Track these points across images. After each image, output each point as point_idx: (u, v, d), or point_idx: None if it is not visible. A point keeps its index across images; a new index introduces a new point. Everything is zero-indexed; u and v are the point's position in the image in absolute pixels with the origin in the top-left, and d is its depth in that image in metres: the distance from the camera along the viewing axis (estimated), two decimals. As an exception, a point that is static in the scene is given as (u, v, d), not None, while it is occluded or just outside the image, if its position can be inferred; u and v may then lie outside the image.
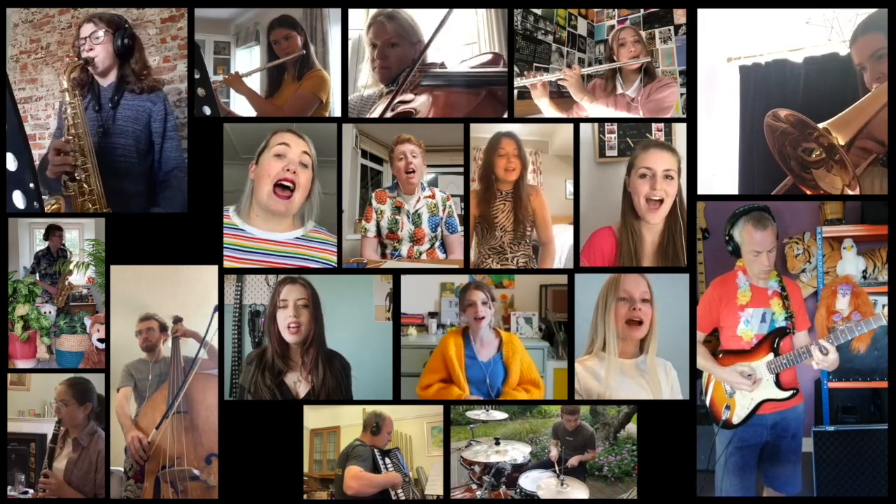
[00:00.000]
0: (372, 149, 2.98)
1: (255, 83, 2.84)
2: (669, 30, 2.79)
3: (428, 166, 2.78)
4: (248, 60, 2.95)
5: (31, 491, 2.62)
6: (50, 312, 2.83)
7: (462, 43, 2.80)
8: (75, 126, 2.61)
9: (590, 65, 2.99)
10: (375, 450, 2.49)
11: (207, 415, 2.56)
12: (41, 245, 2.98)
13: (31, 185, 2.55)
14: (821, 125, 2.47)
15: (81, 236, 2.95)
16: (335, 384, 2.45)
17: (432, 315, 3.12)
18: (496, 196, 2.70)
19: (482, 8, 2.74)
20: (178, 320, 2.58)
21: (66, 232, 2.98)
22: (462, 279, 2.74)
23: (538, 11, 2.82)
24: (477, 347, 2.57)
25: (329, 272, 2.55)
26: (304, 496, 2.60)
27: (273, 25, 2.81)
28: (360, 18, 2.75)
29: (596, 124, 2.81)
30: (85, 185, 2.61)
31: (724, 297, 2.56)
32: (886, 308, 2.60)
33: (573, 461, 2.56)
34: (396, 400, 2.60)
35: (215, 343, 2.61)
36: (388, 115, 2.66)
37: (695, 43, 2.67)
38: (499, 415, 2.62)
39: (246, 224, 2.48)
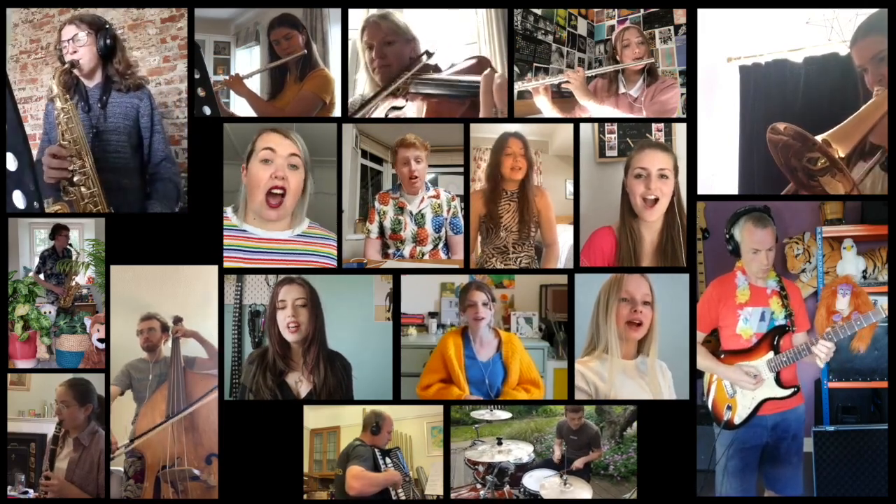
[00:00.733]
0: (372, 149, 2.98)
1: (256, 85, 2.84)
2: (669, 30, 2.79)
3: (429, 166, 2.78)
4: (248, 60, 2.95)
5: (31, 491, 2.63)
6: (50, 312, 2.83)
7: (462, 43, 2.80)
8: (70, 131, 2.60)
9: (590, 64, 2.99)
10: (376, 449, 2.49)
11: (207, 415, 2.56)
12: (41, 245, 2.98)
13: (31, 185, 2.55)
14: (819, 137, 2.47)
15: (81, 236, 2.95)
16: (336, 384, 2.45)
17: (432, 315, 3.12)
18: (502, 196, 2.70)
19: (482, 8, 2.74)
20: (178, 320, 2.58)
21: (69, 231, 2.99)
22: (462, 279, 2.74)
23: (538, 11, 2.82)
24: (476, 347, 2.57)
25: (329, 272, 2.55)
26: (304, 496, 2.60)
27: (273, 25, 2.79)
28: (359, 20, 2.74)
29: (596, 124, 2.81)
30: (85, 189, 2.61)
31: (723, 296, 2.57)
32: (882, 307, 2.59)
33: (578, 463, 2.56)
34: (396, 400, 2.60)
35: (215, 343, 2.61)
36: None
37: (695, 43, 2.67)
38: (503, 414, 2.62)
39: (245, 224, 2.48)
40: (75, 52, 2.69)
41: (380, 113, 2.71)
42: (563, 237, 2.73)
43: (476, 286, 2.58)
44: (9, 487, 2.63)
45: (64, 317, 2.82)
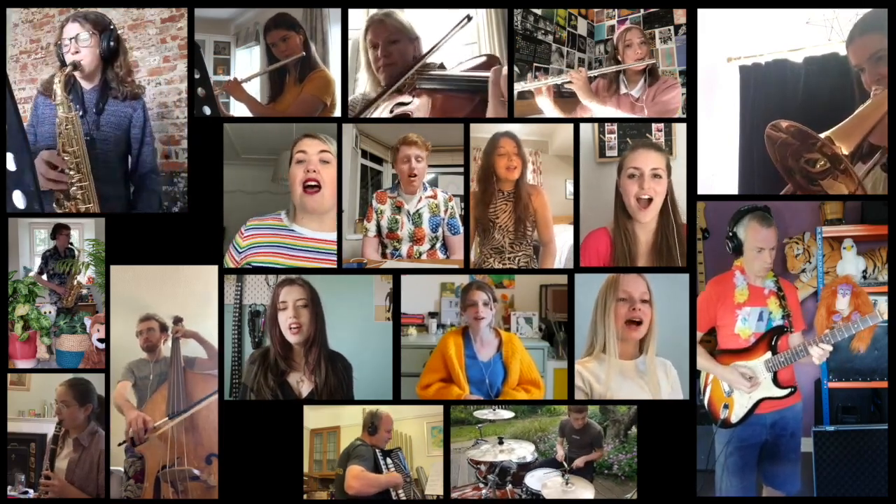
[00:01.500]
0: (372, 149, 2.98)
1: (256, 87, 2.83)
2: (669, 30, 2.79)
3: (428, 166, 2.78)
4: (248, 61, 2.94)
5: (31, 491, 2.62)
6: (50, 312, 2.83)
7: (462, 43, 2.80)
8: (73, 142, 2.56)
9: (590, 65, 2.99)
10: (377, 450, 2.49)
11: (207, 415, 2.56)
12: (41, 245, 2.97)
13: (31, 185, 2.55)
14: (823, 135, 2.46)
15: (81, 236, 2.94)
16: (337, 384, 2.45)
17: (432, 315, 3.12)
18: (497, 197, 2.70)
19: (482, 8, 2.74)
20: (178, 320, 2.58)
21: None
22: (462, 279, 2.74)
23: (538, 11, 2.82)
24: (477, 347, 2.57)
25: (329, 272, 2.56)
26: (304, 496, 2.60)
27: (269, 27, 2.77)
28: (359, 20, 2.74)
29: (596, 124, 2.81)
30: (82, 205, 2.60)
31: (721, 296, 2.57)
32: (882, 306, 2.58)
33: (579, 462, 2.56)
34: (396, 400, 2.60)
35: (215, 343, 2.61)
36: (386, 116, 2.66)
37: (695, 43, 2.67)
38: (506, 414, 2.62)
39: (294, 224, 2.54)
40: (77, 51, 2.65)
41: (384, 111, 2.70)
42: (563, 237, 2.73)
43: (477, 286, 2.58)
44: (9, 487, 2.63)
45: (64, 317, 2.82)
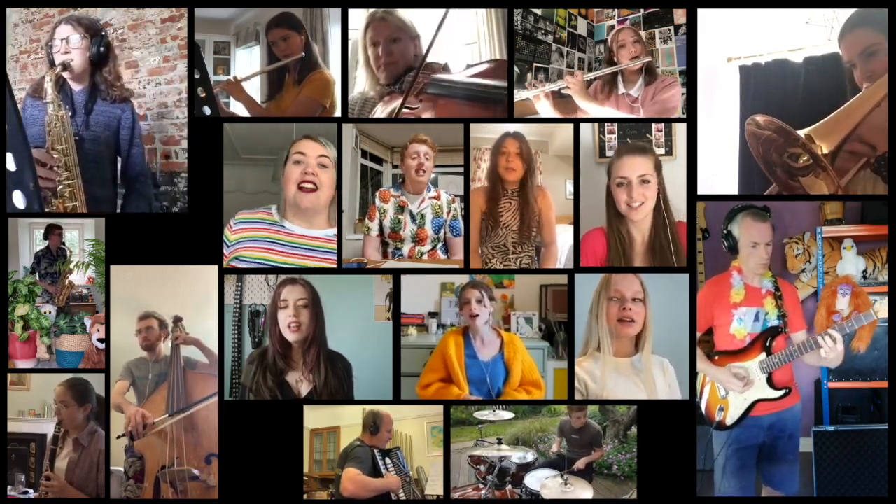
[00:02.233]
0: (372, 149, 2.98)
1: (254, 85, 2.83)
2: (669, 30, 2.79)
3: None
4: (248, 60, 2.95)
5: (31, 491, 2.62)
6: (50, 312, 2.82)
7: (462, 43, 2.80)
8: (62, 140, 2.57)
9: (590, 65, 2.99)
10: (375, 450, 2.48)
11: (207, 415, 2.56)
12: (41, 245, 2.97)
13: (31, 185, 2.55)
14: (802, 132, 2.44)
15: (81, 236, 2.94)
16: (337, 384, 2.45)
17: (432, 315, 3.12)
18: (502, 194, 2.70)
19: (482, 8, 2.74)
20: (178, 320, 2.58)
21: (67, 232, 2.98)
22: (462, 279, 2.74)
23: (538, 11, 2.82)
24: (478, 346, 2.57)
25: (329, 272, 2.55)
26: (304, 496, 2.60)
27: (271, 25, 2.78)
28: (358, 20, 2.74)
29: (596, 124, 2.81)
30: (69, 202, 2.60)
31: (717, 296, 2.57)
32: (879, 304, 2.57)
33: (580, 464, 2.56)
34: (396, 400, 2.60)
35: (215, 346, 2.61)
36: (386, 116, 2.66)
37: (695, 43, 2.67)
38: (506, 414, 2.62)
39: (285, 221, 2.51)
40: (67, 52, 2.67)
41: (382, 112, 2.71)
42: (563, 237, 2.73)
43: (471, 284, 2.58)
44: (9, 487, 2.63)
45: (64, 317, 2.82)
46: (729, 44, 2.87)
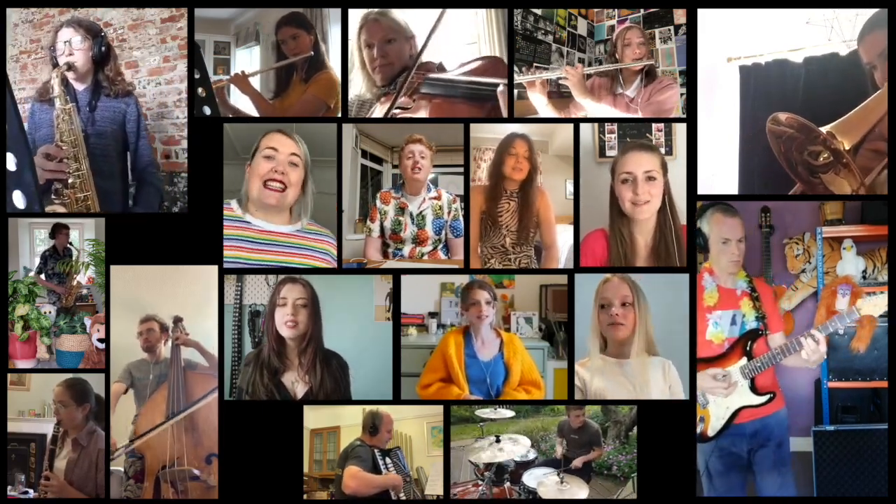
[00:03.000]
0: (372, 149, 2.98)
1: (262, 83, 2.83)
2: (669, 30, 2.79)
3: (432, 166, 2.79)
4: (247, 60, 2.95)
5: (31, 491, 2.62)
6: (50, 312, 2.83)
7: (463, 43, 2.80)
8: (70, 133, 2.61)
9: (590, 64, 2.99)
10: (376, 450, 2.48)
11: (207, 415, 2.56)
12: (41, 245, 2.97)
13: (31, 185, 2.55)
14: (824, 129, 2.43)
15: (81, 236, 2.94)
16: (333, 385, 2.44)
17: (432, 315, 3.12)
18: (502, 194, 2.70)
19: (482, 8, 2.73)
20: (178, 320, 2.58)
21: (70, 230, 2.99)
22: (462, 279, 2.74)
23: (538, 11, 2.82)
24: (478, 346, 2.57)
25: (329, 272, 2.55)
26: (304, 496, 2.60)
27: (280, 24, 2.79)
28: (356, 19, 2.73)
29: (596, 124, 2.81)
30: (79, 193, 2.62)
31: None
32: (862, 302, 2.51)
33: (577, 462, 2.56)
34: (396, 400, 2.60)
35: (215, 347, 2.61)
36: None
37: (695, 43, 2.67)
38: (506, 413, 2.62)
39: (248, 215, 2.47)
40: (71, 53, 2.72)
41: (381, 112, 2.71)
42: (563, 237, 2.73)
43: (479, 285, 2.58)
44: (9, 487, 2.63)
45: (64, 317, 2.82)
46: (729, 44, 2.87)
